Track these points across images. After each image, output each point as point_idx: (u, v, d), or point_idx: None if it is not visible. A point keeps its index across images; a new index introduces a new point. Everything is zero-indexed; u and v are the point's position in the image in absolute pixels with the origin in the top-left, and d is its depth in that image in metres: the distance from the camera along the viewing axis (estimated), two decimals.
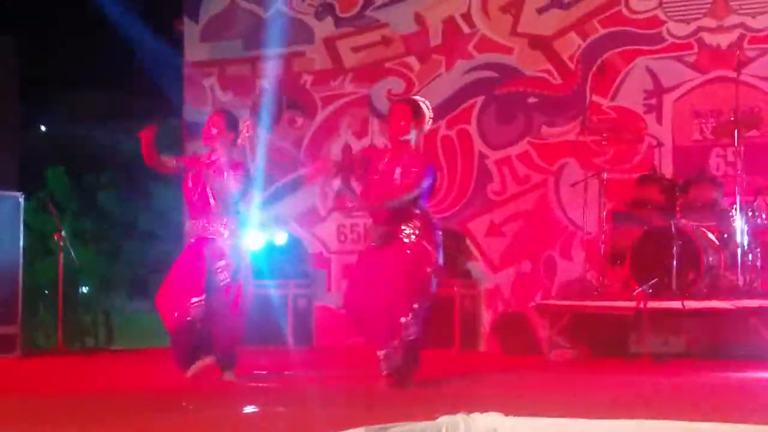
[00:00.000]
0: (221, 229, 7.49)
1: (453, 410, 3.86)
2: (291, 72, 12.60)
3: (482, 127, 11.60)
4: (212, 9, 13.00)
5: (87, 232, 12.51)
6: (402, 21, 12.07)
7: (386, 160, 7.17)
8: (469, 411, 3.82)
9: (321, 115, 12.40)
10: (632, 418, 3.90)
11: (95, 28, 12.63)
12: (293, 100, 12.60)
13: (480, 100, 11.63)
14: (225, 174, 7.46)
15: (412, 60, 12.02)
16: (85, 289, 12.66)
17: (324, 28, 12.45)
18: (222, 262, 7.43)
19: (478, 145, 11.59)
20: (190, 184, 7.59)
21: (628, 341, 9.49)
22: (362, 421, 3.55)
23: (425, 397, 6.46)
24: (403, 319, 6.79)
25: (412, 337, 6.83)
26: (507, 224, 11.39)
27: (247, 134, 7.73)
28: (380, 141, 11.96)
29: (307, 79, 12.49)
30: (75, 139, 14.18)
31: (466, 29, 11.75)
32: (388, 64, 12.12)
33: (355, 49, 12.31)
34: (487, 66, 11.63)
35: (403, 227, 6.99)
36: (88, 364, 9.70)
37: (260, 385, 7.42)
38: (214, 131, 7.56)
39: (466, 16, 11.76)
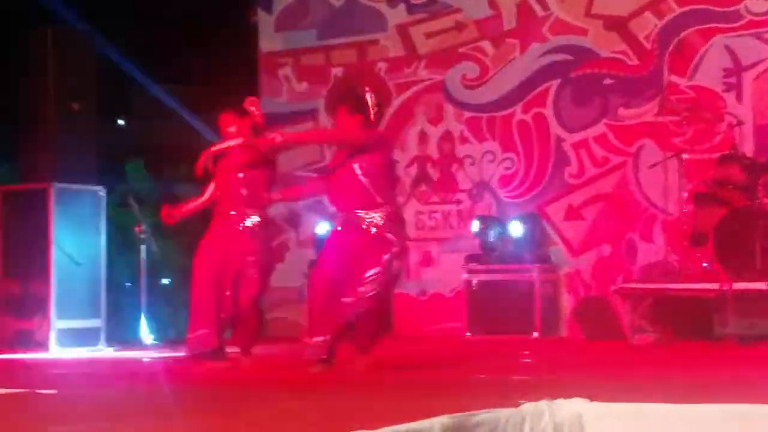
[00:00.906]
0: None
1: (536, 397, 3.83)
2: (365, 60, 12.62)
3: (558, 111, 11.53)
4: None
5: (166, 225, 12.59)
6: (475, 5, 12.01)
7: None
8: (553, 398, 3.78)
9: (396, 103, 12.40)
10: (718, 402, 3.84)
11: (172, 23, 12.74)
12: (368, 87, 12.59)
13: (555, 83, 11.55)
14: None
15: (486, 44, 11.97)
16: (166, 282, 12.78)
17: (397, 14, 12.44)
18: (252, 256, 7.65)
19: (555, 128, 11.51)
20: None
21: (712, 324, 9.36)
22: (442, 409, 3.53)
23: (507, 384, 6.44)
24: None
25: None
26: (586, 207, 11.31)
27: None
28: (454, 127, 11.94)
29: (381, 66, 12.49)
30: (153, 132, 14.31)
31: (540, 12, 11.67)
32: (461, 50, 12.08)
33: (429, 35, 12.28)
34: (561, 48, 11.55)
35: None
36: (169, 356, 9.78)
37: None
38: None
39: None
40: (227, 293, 7.51)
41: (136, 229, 10.60)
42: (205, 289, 7.54)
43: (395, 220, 7.25)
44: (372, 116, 7.32)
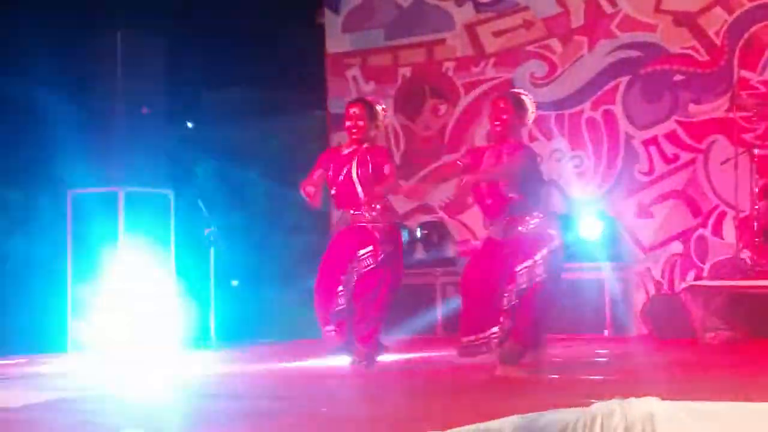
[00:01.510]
0: (367, 215, 7.52)
1: (608, 396, 3.81)
2: (432, 60, 12.62)
3: (628, 108, 11.45)
4: (353, 0, 13.09)
5: (237, 226, 12.67)
6: (543, 3, 11.97)
7: (487, 155, 7.09)
8: (624, 396, 3.77)
9: (464, 102, 12.39)
10: None
11: (239, 25, 12.81)
12: (436, 87, 12.62)
13: (624, 80, 11.47)
14: (369, 163, 7.52)
15: (554, 42, 11.92)
16: (236, 283, 12.86)
17: (464, 14, 12.43)
18: (368, 248, 7.46)
19: (624, 125, 11.44)
20: (333, 176, 7.64)
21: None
22: (514, 409, 3.53)
23: (580, 384, 6.40)
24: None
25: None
26: (656, 205, 11.22)
27: (384, 119, 7.80)
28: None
29: (449, 66, 12.48)
30: (223, 135, 14.39)
31: (608, 9, 11.59)
32: (529, 48, 12.04)
33: (496, 34, 12.26)
34: (630, 45, 11.47)
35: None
36: (241, 357, 9.84)
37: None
38: (360, 123, 7.61)
39: None
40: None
41: (206, 230, 10.66)
42: None
43: (551, 217, 7.13)
44: (528, 120, 7.17)
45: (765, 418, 3.56)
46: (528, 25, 12.06)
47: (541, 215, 6.93)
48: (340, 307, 7.46)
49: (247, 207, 14.12)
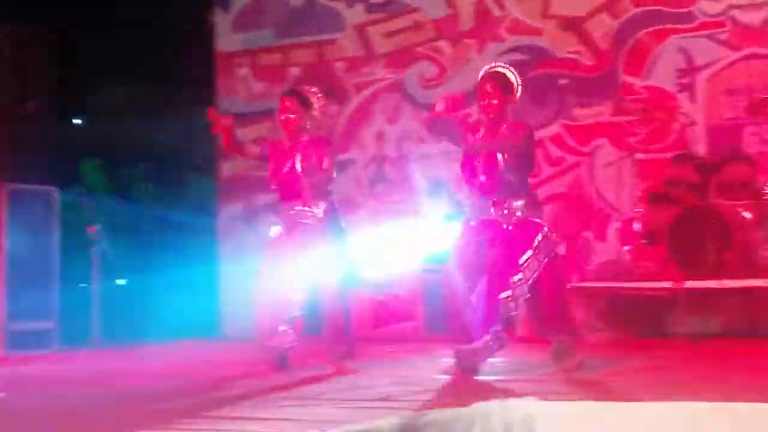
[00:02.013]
0: (315, 210, 7.46)
1: (488, 397, 3.85)
2: (323, 60, 12.61)
3: (515, 110, 11.53)
4: None
5: (123, 225, 12.54)
6: (433, 5, 12.05)
7: (481, 134, 6.93)
8: (504, 397, 3.81)
9: (354, 102, 12.40)
10: (670, 400, 3.88)
11: (128, 21, 12.68)
12: (326, 87, 12.60)
13: None
14: (313, 155, 7.47)
15: (444, 44, 12.00)
16: (122, 282, 12.73)
17: (355, 14, 12.45)
18: (319, 250, 7.40)
19: None
20: (276, 169, 7.57)
21: (665, 322, 9.43)
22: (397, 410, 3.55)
23: (461, 384, 6.45)
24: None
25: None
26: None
27: (319, 105, 7.74)
28: (413, 127, 11.95)
29: (340, 66, 12.49)
30: (110, 131, 14.24)
31: (497, 12, 11.72)
32: (419, 49, 12.11)
33: (387, 35, 12.30)
34: (518, 48, 11.60)
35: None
36: (122, 357, 9.74)
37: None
38: (291, 116, 7.57)
39: None
40: None
41: (90, 229, 10.53)
42: None
43: (536, 204, 6.94)
44: (516, 96, 6.99)
45: (639, 416, 3.64)
46: (418, 26, 12.13)
47: (527, 199, 6.78)
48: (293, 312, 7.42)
49: (135, 205, 13.99)
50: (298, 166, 7.47)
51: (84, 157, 13.51)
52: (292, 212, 7.52)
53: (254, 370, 7.40)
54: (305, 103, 7.62)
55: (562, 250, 6.87)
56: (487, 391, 4.13)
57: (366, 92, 12.36)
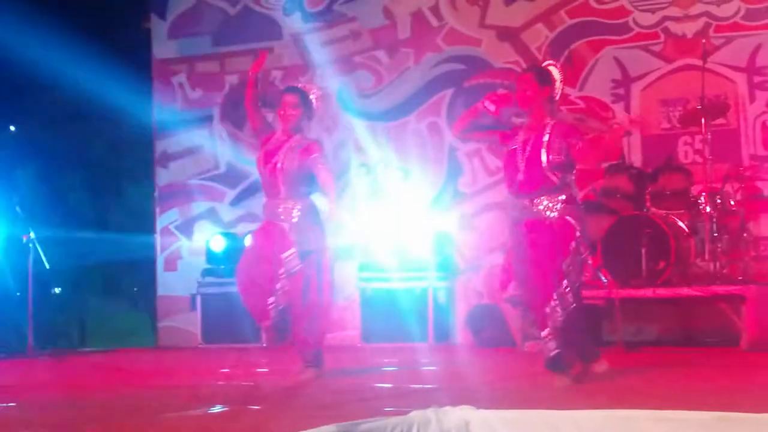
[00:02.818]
0: (293, 212, 7.38)
1: (426, 405, 3.86)
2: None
3: (452, 120, 11.61)
4: (180, 6, 12.96)
5: (59, 233, 12.42)
6: (370, 15, 12.07)
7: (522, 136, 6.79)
8: (441, 405, 3.82)
9: None
10: (603, 407, 3.91)
11: (64, 26, 12.56)
12: (263, 96, 12.54)
13: (449, 92, 11.65)
14: (298, 158, 7.37)
15: (381, 54, 12.03)
16: (57, 290, 12.59)
17: (292, 23, 12.43)
18: (291, 250, 7.28)
19: (449, 137, 11.60)
20: (263, 162, 7.47)
21: (600, 330, 9.51)
22: (334, 418, 3.56)
23: (400, 393, 6.47)
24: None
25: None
26: (478, 216, 11.42)
27: (318, 109, 7.71)
28: (349, 136, 11.96)
29: (277, 75, 12.46)
30: (45, 139, 14.09)
31: (434, 22, 11.77)
32: (356, 58, 12.12)
33: (324, 44, 12.29)
34: (455, 58, 11.66)
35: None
36: (59, 367, 9.66)
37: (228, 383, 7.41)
38: (292, 112, 7.49)
39: (435, 9, 11.78)
40: None
41: (24, 237, 10.41)
42: None
43: (575, 203, 6.76)
44: (557, 94, 6.84)
45: (574, 424, 3.66)
46: (355, 35, 12.14)
47: (564, 200, 6.62)
48: (274, 306, 7.25)
49: (71, 212, 13.87)
50: (280, 164, 7.40)
51: (18, 164, 13.36)
52: (271, 210, 7.43)
53: (201, 379, 7.37)
54: (306, 102, 7.56)
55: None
56: (425, 399, 4.14)
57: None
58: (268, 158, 7.45)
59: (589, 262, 6.99)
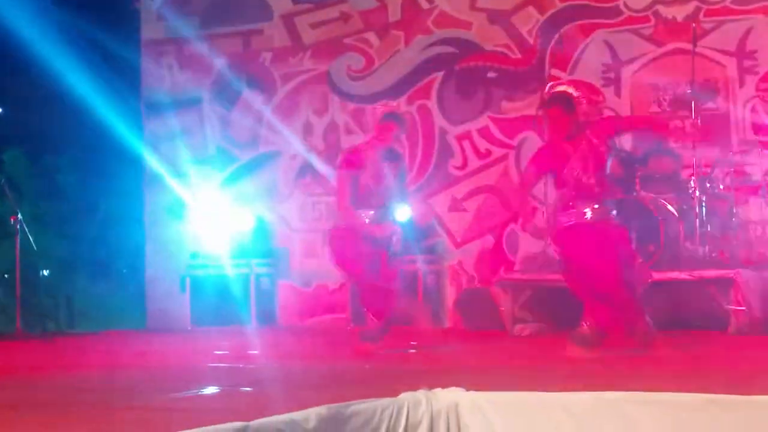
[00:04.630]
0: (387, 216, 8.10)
1: (416, 386, 3.86)
2: (249, 50, 12.54)
3: (442, 103, 11.61)
4: None
5: (47, 215, 12.41)
6: None
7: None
8: (431, 386, 3.82)
9: (281, 93, 12.35)
10: (591, 390, 3.91)
11: (50, 7, 12.52)
12: (252, 78, 12.54)
13: (440, 75, 11.63)
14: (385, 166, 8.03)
15: (371, 36, 12.00)
16: (45, 272, 12.57)
17: (282, 5, 12.39)
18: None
19: (439, 120, 11.59)
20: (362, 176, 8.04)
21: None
22: (323, 400, 3.54)
23: (387, 374, 6.47)
24: None
25: None
26: (469, 199, 11.41)
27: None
28: (339, 118, 11.94)
29: (266, 56, 12.43)
30: (33, 121, 14.07)
31: (425, 5, 11.74)
32: (347, 40, 12.09)
33: (314, 26, 12.26)
34: (446, 41, 11.63)
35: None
36: (47, 348, 9.64)
37: (223, 365, 7.41)
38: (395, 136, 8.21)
39: None
40: None
41: (12, 218, 10.37)
42: None
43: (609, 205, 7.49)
44: (582, 111, 7.50)
45: (563, 406, 3.66)
46: (345, 17, 12.11)
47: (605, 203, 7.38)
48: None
49: (59, 195, 13.84)
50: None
51: (5, 146, 13.33)
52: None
53: (196, 358, 7.37)
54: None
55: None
56: (415, 381, 4.13)
57: (293, 83, 12.29)
58: None
59: None
